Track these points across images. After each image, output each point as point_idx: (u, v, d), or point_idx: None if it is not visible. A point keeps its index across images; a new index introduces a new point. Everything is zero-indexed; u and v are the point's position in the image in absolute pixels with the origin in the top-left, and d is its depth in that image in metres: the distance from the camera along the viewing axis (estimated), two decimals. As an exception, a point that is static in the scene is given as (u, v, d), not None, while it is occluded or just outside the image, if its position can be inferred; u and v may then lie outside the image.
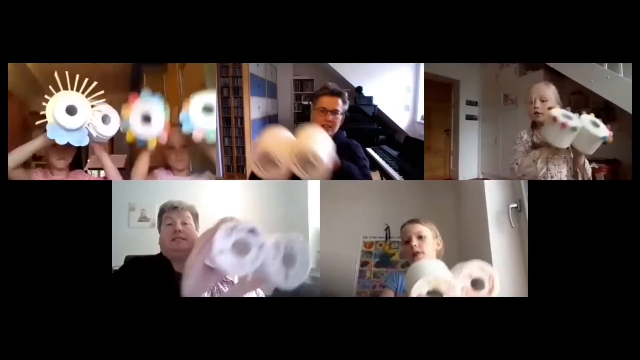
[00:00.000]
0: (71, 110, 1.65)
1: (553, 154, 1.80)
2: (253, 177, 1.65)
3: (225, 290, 1.49)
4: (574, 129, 1.69)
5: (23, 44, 1.63)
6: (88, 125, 1.68)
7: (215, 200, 2.71)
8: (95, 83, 1.68)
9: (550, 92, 1.85)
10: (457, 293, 1.24)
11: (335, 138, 1.80)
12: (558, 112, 1.73)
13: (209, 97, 1.84)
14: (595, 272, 1.53)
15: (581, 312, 1.51)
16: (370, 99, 4.72)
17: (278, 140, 1.53)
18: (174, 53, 1.70)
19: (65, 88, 1.67)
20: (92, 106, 1.70)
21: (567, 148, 1.79)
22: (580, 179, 1.80)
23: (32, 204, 1.56)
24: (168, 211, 1.60)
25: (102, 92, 1.70)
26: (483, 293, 1.27)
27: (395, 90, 4.92)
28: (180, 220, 1.56)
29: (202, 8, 1.65)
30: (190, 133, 1.82)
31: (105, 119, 1.74)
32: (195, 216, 1.64)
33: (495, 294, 1.27)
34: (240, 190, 2.94)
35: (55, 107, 1.63)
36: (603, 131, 1.69)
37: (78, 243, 1.55)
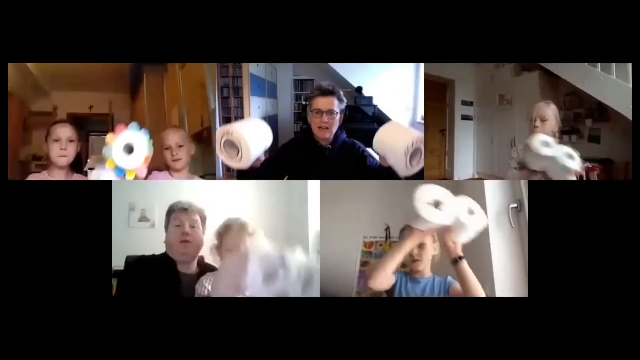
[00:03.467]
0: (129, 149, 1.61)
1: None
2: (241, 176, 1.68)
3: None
4: (547, 157, 1.68)
5: (23, 44, 1.63)
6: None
7: (215, 201, 2.70)
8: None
9: (550, 111, 1.89)
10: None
11: (335, 138, 1.80)
12: (537, 140, 1.72)
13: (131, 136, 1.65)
14: (596, 272, 1.53)
15: (581, 312, 1.51)
16: (370, 99, 4.71)
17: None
18: (174, 53, 1.70)
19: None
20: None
21: None
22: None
23: (32, 204, 1.56)
24: (177, 212, 1.60)
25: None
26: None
27: (395, 90, 4.91)
28: (189, 223, 1.56)
29: (202, 8, 1.65)
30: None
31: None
32: (204, 220, 1.64)
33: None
34: (240, 191, 2.93)
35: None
36: (576, 165, 1.67)
37: (78, 243, 1.55)
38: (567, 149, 1.72)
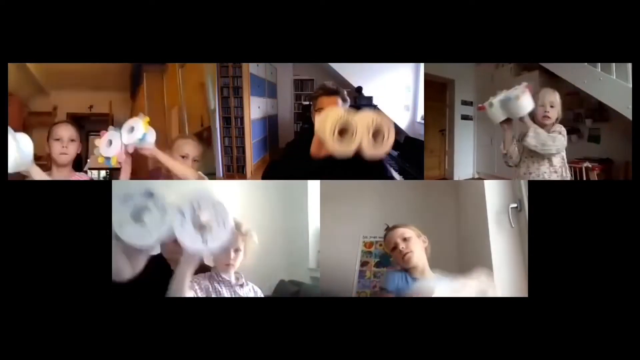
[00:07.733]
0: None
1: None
2: (266, 175, 1.65)
3: (223, 290, 1.49)
4: (490, 104, 1.91)
5: (23, 44, 1.63)
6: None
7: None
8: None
9: (557, 98, 1.96)
10: None
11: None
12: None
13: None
14: (596, 272, 1.53)
15: (581, 312, 1.51)
16: (370, 99, 4.72)
17: (349, 112, 1.54)
18: (174, 53, 1.70)
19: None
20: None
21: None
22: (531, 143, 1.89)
23: (32, 204, 1.56)
24: None
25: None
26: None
27: (395, 90, 4.92)
28: None
29: (202, 8, 1.65)
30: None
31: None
32: None
33: None
34: (240, 191, 2.93)
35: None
36: (522, 86, 1.87)
37: (78, 243, 1.55)
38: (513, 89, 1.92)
